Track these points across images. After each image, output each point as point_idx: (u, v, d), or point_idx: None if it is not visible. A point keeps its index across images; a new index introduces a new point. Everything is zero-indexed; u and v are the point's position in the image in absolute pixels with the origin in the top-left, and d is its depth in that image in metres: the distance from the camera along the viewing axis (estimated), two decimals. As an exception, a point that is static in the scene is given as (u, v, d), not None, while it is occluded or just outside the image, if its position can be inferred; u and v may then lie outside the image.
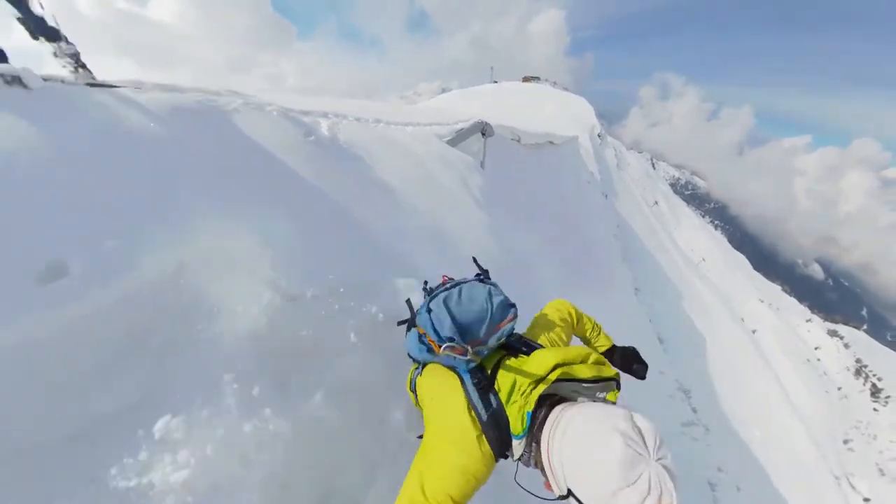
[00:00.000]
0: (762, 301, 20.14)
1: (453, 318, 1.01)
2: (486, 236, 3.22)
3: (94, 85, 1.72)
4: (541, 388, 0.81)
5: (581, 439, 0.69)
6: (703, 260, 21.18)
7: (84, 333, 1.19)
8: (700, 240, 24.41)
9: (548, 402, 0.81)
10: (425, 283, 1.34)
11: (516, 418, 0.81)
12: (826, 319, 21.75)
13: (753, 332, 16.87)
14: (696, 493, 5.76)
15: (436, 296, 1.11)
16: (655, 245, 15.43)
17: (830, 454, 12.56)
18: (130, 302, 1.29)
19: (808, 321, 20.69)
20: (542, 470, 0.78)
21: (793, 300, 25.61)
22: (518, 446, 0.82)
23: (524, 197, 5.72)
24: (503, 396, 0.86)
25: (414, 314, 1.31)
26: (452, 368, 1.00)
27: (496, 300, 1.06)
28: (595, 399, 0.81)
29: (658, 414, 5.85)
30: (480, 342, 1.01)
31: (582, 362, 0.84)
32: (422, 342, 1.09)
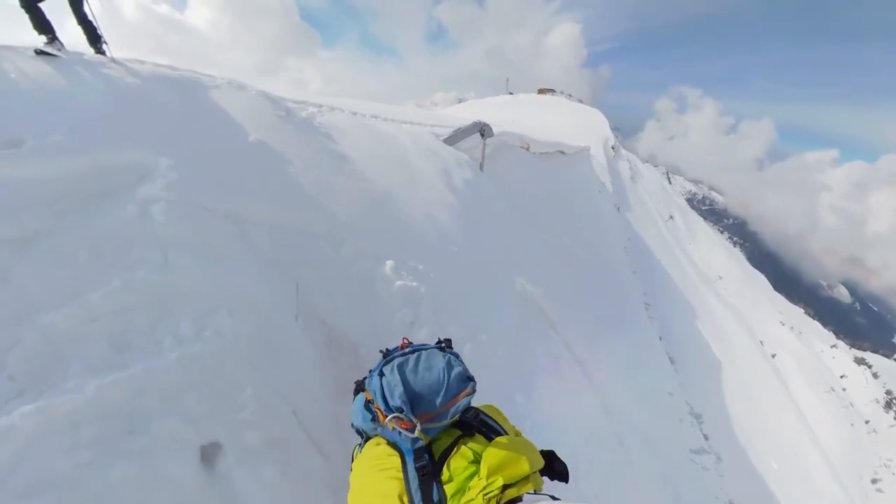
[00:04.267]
0: (783, 324, 19.22)
1: (406, 386, 0.93)
2: (452, 223, 3.15)
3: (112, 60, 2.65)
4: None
5: None
6: (720, 278, 20.42)
7: None
8: (717, 256, 23.61)
9: None
10: (386, 350, 1.19)
11: None
12: (853, 346, 20.58)
13: (773, 356, 16.05)
14: (704, 527, 5.37)
15: (391, 360, 1.02)
16: (669, 260, 14.96)
17: (856, 494, 11.67)
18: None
19: (833, 347, 19.61)
20: None
21: (816, 324, 24.38)
22: None
23: (530, 203, 5.57)
24: (450, 489, 0.77)
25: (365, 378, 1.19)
26: (395, 446, 0.92)
27: (455, 371, 0.98)
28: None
29: (665, 439, 5.52)
30: (435, 415, 0.92)
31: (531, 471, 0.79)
32: (368, 409, 1.03)
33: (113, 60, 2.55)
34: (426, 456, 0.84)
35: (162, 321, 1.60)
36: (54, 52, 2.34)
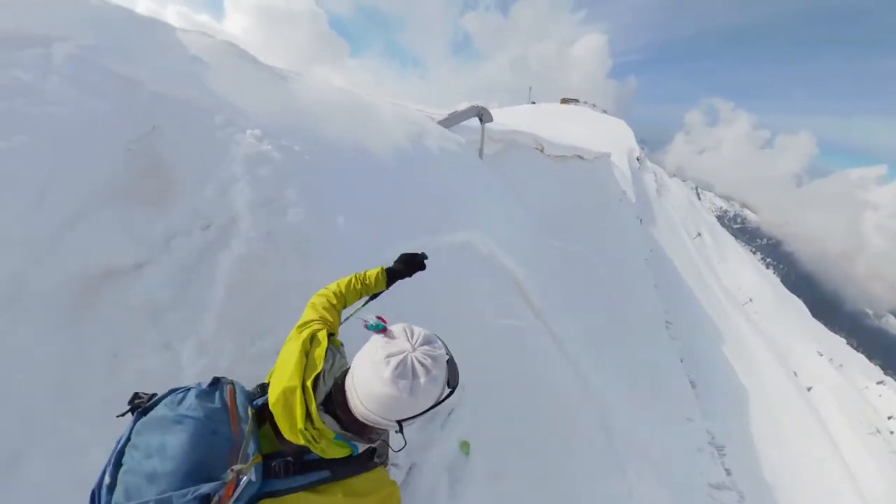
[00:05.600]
0: (821, 354, 17.66)
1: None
2: (395, 165, 3.05)
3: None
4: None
5: (358, 362, 0.75)
6: (751, 300, 19.10)
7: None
8: (748, 277, 22.17)
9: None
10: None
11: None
12: (903, 384, 18.62)
13: (809, 389, 14.72)
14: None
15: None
16: (695, 278, 14.11)
17: (904, 551, 10.35)
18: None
19: (879, 384, 17.82)
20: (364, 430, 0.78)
21: (860, 356, 22.32)
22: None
23: (539, 204, 5.30)
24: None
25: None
26: None
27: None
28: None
29: (681, 470, 5.02)
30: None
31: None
32: None
33: None
34: None
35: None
36: None
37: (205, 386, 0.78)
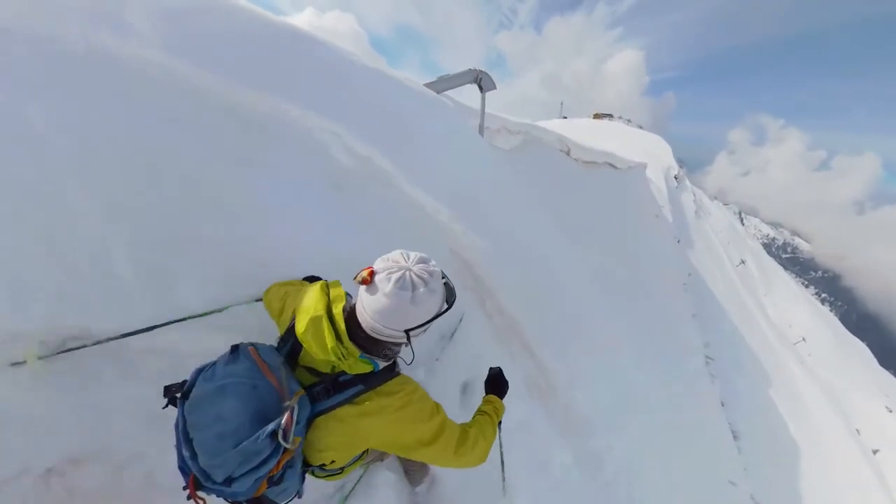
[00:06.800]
0: (891, 410, 15.19)
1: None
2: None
3: None
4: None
5: (363, 287, 0.85)
6: (804, 340, 16.94)
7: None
8: (800, 314, 19.82)
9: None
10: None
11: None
12: None
13: (875, 452, 12.56)
14: None
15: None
16: (738, 310, 12.61)
17: None
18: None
19: (964, 453, 14.97)
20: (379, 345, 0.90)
21: (938, 418, 19.05)
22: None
23: (562, 208, 4.59)
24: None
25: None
26: None
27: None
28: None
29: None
30: None
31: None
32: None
33: None
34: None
35: None
36: None
37: (228, 355, 0.87)
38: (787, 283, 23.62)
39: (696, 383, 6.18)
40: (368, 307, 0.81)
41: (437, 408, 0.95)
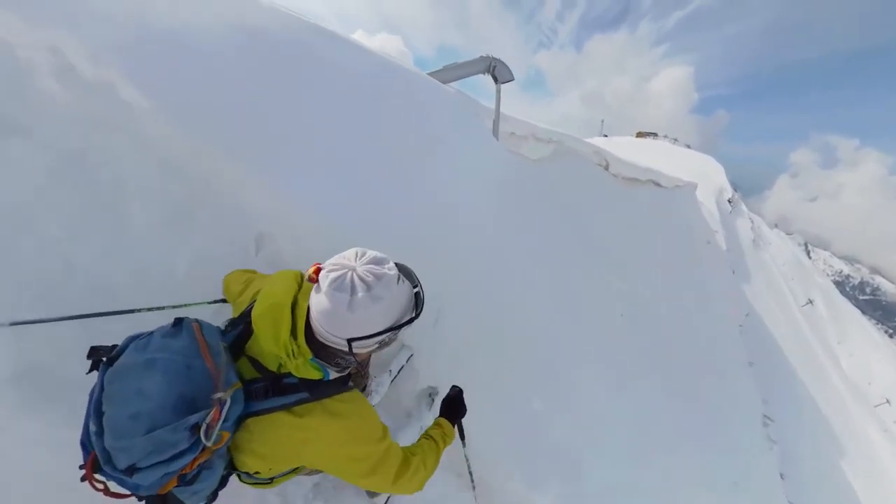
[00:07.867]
0: None
1: None
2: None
3: None
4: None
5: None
6: (888, 403, 14.32)
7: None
8: (882, 367, 16.90)
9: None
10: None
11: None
12: None
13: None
14: None
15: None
16: (804, 360, 10.88)
17: None
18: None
19: None
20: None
21: None
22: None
23: (595, 230, 3.98)
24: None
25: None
26: None
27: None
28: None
29: None
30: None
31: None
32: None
33: None
34: None
35: None
36: None
37: (168, 327, 0.79)
38: (865, 330, 20.35)
39: (751, 449, 5.14)
40: (312, 307, 0.75)
41: (383, 433, 0.85)
